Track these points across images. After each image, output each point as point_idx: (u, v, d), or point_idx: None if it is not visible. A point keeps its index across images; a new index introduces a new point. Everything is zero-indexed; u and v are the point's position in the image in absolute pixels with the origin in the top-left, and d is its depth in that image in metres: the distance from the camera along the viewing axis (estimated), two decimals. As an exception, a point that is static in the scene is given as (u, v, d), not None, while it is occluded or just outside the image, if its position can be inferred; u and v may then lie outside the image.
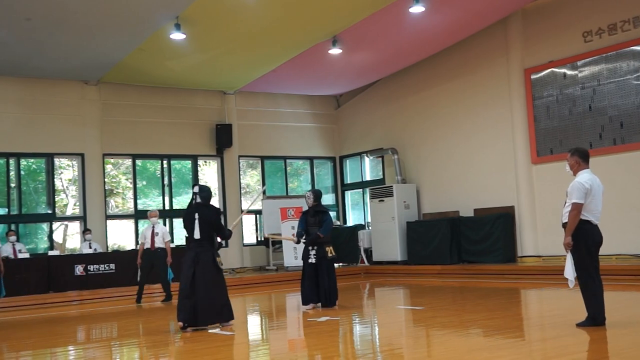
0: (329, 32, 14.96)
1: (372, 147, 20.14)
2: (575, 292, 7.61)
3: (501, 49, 16.46)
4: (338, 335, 8.44)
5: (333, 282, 10.49)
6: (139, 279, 13.53)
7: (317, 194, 10.65)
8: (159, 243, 13.43)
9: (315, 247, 10.39)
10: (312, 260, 10.38)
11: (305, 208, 11.07)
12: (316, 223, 10.44)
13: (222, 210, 9.59)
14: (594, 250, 7.22)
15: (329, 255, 10.45)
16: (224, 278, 8.97)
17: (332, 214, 21.37)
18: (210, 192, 9.14)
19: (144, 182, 19.22)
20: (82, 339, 9.45)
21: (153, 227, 13.51)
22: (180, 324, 8.58)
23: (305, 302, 10.49)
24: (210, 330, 8.53)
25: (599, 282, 7.24)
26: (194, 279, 8.61)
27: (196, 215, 8.77)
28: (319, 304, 10.45)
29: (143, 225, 17.08)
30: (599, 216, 7.26)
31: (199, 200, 8.91)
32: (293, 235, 11.00)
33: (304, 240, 10.52)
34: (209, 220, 8.81)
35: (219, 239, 9.12)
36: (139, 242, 13.64)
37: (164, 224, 18.37)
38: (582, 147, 8.28)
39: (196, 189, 9.02)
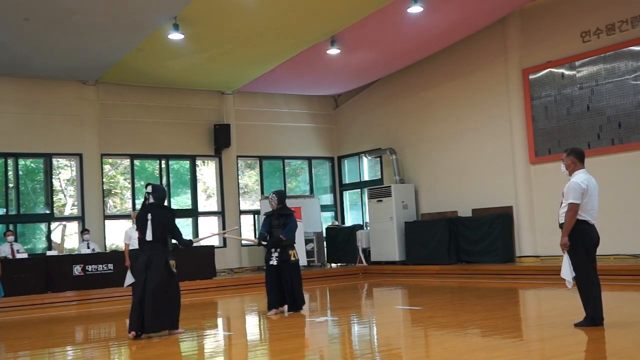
0: (327, 32, 14.96)
1: (370, 147, 20.15)
2: (573, 292, 7.62)
3: (499, 49, 16.47)
4: (336, 335, 8.45)
5: (298, 285, 10.17)
6: (132, 280, 13.39)
7: (282, 196, 10.31)
8: None
9: (278, 250, 10.05)
10: (274, 262, 10.04)
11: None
12: (280, 226, 10.09)
13: (175, 211, 9.18)
14: (591, 250, 7.22)
15: (292, 258, 10.09)
16: (177, 283, 8.54)
17: (330, 214, 21.41)
18: (165, 192, 8.77)
19: (142, 182, 19.20)
20: (80, 339, 9.45)
21: None
22: (133, 333, 8.23)
23: (269, 307, 10.10)
24: (157, 339, 8.27)
25: (597, 282, 7.24)
26: (145, 285, 8.25)
27: (149, 216, 8.40)
28: (284, 308, 10.09)
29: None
30: (595, 216, 7.26)
31: (152, 200, 8.53)
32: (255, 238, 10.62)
33: (265, 243, 10.16)
34: (163, 222, 8.45)
35: (174, 242, 8.74)
36: (124, 243, 13.54)
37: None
38: (577, 147, 8.28)
39: (149, 188, 8.61)
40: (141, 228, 8.47)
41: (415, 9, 13.65)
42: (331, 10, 13.77)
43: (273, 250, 10.11)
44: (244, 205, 20.19)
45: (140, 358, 7.46)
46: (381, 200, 18.23)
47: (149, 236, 8.36)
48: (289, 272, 10.06)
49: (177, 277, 8.51)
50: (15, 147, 16.76)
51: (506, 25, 16.22)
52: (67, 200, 18.98)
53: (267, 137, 20.34)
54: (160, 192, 8.62)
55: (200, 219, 19.18)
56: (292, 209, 10.63)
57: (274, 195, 10.30)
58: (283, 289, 10.08)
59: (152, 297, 8.16)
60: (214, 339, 8.21)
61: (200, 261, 16.14)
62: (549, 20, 15.51)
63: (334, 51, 15.67)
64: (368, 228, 19.00)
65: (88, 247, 15.94)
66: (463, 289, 13.09)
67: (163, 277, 8.29)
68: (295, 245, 10.36)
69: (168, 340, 8.21)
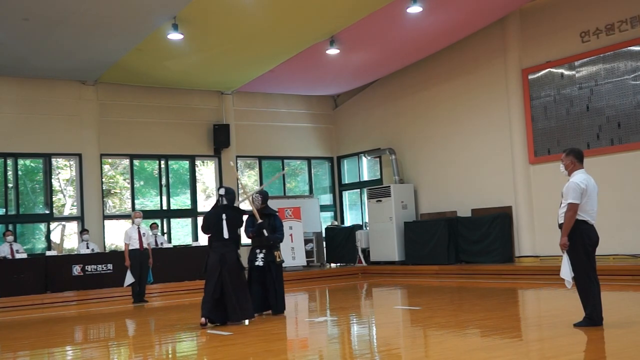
0: (327, 32, 14.96)
1: (369, 147, 20.15)
2: (572, 292, 7.62)
3: (499, 49, 16.47)
4: (336, 335, 8.45)
5: (281, 288, 10.06)
6: (132, 280, 13.37)
7: (265, 196, 10.29)
8: (146, 244, 13.48)
9: (264, 251, 9.97)
10: (260, 263, 9.93)
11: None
12: (266, 226, 10.00)
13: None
14: (590, 250, 7.22)
15: (278, 259, 10.04)
16: (245, 277, 9.35)
17: (330, 214, 21.41)
18: (235, 194, 9.47)
19: (142, 183, 19.22)
20: (79, 339, 9.45)
21: (139, 227, 13.52)
22: (203, 320, 8.83)
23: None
24: (210, 331, 8.53)
25: (596, 283, 7.24)
26: (222, 280, 8.93)
27: (223, 216, 9.10)
28: (268, 312, 9.97)
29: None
30: (594, 216, 7.26)
31: (225, 202, 9.25)
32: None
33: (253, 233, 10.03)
34: (236, 223, 9.24)
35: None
36: (125, 243, 13.55)
37: (162, 225, 18.42)
38: (576, 147, 8.27)
39: (222, 191, 9.34)
40: (214, 226, 9.15)
41: (415, 9, 13.66)
42: (330, 10, 13.77)
43: (258, 251, 10.01)
44: (243, 205, 20.12)
45: (141, 358, 7.46)
46: (380, 200, 18.23)
47: (225, 234, 9.09)
48: (275, 273, 9.97)
49: (244, 271, 9.37)
50: (15, 147, 16.77)
51: (505, 25, 16.22)
52: (66, 200, 18.98)
53: (267, 137, 20.35)
54: (232, 195, 9.38)
55: (200, 219, 19.16)
56: (276, 210, 10.64)
57: (257, 195, 10.30)
58: (267, 291, 9.94)
59: (234, 292, 8.95)
60: (214, 339, 8.20)
61: (200, 261, 16.12)
62: (548, 20, 15.51)
63: (333, 51, 15.67)
64: (367, 228, 19.01)
65: (87, 247, 15.94)
66: (462, 289, 13.09)
67: (239, 272, 9.14)
68: (279, 246, 10.26)
69: (167, 340, 8.21)
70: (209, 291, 8.93)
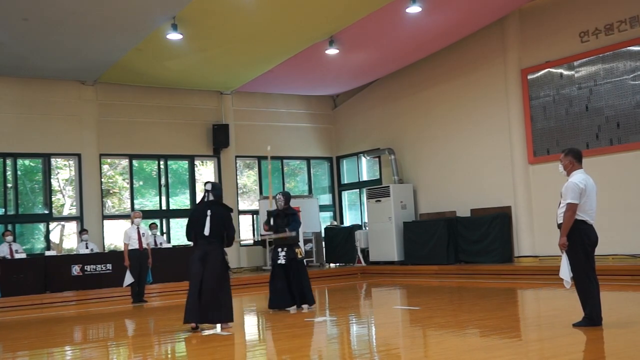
0: (326, 32, 14.97)
1: (369, 147, 20.15)
2: (571, 292, 7.63)
3: (498, 49, 16.48)
4: (335, 335, 8.45)
5: (307, 281, 10.37)
6: (131, 280, 13.36)
7: (288, 197, 10.52)
8: (145, 244, 13.47)
9: (285, 249, 10.25)
10: (282, 261, 10.23)
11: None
12: (285, 225, 10.31)
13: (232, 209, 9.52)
14: (590, 250, 7.22)
15: (299, 256, 10.32)
16: (229, 277, 8.88)
17: (329, 214, 21.41)
18: (222, 190, 9.27)
19: (141, 183, 19.21)
20: (79, 339, 9.44)
21: (138, 227, 13.52)
22: (193, 324, 8.54)
23: (272, 305, 10.33)
24: (205, 332, 8.51)
25: (596, 282, 7.24)
26: (202, 278, 8.55)
27: (208, 212, 8.68)
28: (293, 307, 10.25)
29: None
30: (594, 216, 7.27)
31: (211, 197, 8.86)
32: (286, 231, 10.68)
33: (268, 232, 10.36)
34: (221, 219, 8.74)
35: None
36: (124, 243, 13.54)
37: (161, 225, 18.41)
38: (575, 147, 8.27)
39: (208, 186, 8.93)
40: (198, 223, 8.70)
41: (414, 9, 13.66)
42: (330, 10, 13.78)
43: (280, 249, 10.29)
44: (242, 206, 20.17)
45: (140, 358, 7.46)
46: (380, 200, 18.24)
47: (206, 231, 8.63)
48: (297, 270, 10.27)
49: (229, 271, 8.86)
50: (14, 147, 16.76)
51: (505, 26, 16.23)
52: (65, 201, 18.97)
53: (266, 137, 20.31)
54: (218, 190, 9.03)
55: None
56: (296, 209, 10.87)
57: (280, 195, 10.51)
58: (291, 288, 10.24)
59: (211, 291, 8.49)
60: (213, 339, 8.20)
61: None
62: (548, 20, 15.52)
63: (332, 51, 15.68)
64: (367, 228, 19.01)
65: (86, 247, 15.94)
66: (462, 289, 13.10)
67: (220, 272, 8.63)
68: (299, 243, 10.60)
69: (166, 340, 8.20)
70: (192, 292, 8.55)
